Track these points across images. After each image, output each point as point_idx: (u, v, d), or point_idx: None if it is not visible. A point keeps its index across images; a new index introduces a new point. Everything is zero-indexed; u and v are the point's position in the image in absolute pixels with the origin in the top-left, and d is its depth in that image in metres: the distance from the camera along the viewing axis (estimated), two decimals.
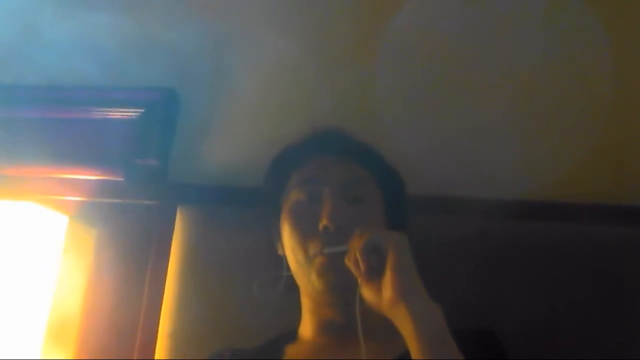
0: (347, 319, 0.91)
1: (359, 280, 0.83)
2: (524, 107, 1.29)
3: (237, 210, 1.27)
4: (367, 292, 0.83)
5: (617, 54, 1.27)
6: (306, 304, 1.00)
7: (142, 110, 1.39)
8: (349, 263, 0.84)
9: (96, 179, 1.37)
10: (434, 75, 1.34)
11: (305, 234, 0.95)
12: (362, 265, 0.82)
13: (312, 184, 0.98)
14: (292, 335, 1.02)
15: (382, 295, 0.80)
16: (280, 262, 1.00)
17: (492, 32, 1.33)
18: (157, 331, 1.22)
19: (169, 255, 1.26)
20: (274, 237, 1.03)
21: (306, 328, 1.00)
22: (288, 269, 0.98)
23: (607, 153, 1.24)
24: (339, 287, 0.91)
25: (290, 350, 0.99)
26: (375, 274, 0.82)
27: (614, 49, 1.27)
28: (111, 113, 1.40)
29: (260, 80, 1.41)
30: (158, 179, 1.37)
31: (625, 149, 1.25)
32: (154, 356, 1.20)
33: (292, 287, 1.00)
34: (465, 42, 1.34)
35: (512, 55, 1.32)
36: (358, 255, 0.82)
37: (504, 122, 1.29)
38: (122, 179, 1.37)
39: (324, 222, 0.92)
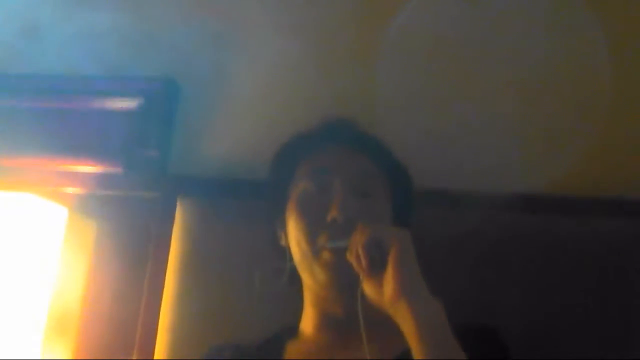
0: (350, 314, 0.90)
1: (361, 275, 0.83)
2: (524, 101, 1.29)
3: (238, 202, 1.26)
4: (368, 288, 0.82)
5: (616, 52, 1.27)
6: (308, 297, 0.99)
7: (142, 101, 1.38)
8: (350, 258, 0.83)
9: (96, 171, 1.37)
10: (434, 74, 1.33)
11: (312, 225, 0.93)
12: (363, 261, 0.81)
13: (322, 174, 0.97)
14: (293, 330, 1.01)
15: (383, 291, 0.80)
16: (283, 253, 0.99)
17: (492, 32, 1.33)
18: (157, 323, 1.21)
19: (169, 247, 1.26)
20: (279, 227, 1.01)
21: (307, 323, 0.99)
22: (291, 260, 0.97)
23: (609, 145, 1.24)
24: (342, 282, 0.90)
25: (292, 348, 0.98)
26: (376, 269, 0.81)
27: (614, 47, 1.27)
28: (111, 104, 1.39)
29: (261, 71, 1.40)
30: (158, 171, 1.36)
31: (626, 141, 1.24)
32: (154, 349, 1.20)
33: (295, 280, 0.99)
34: (465, 42, 1.34)
35: (512, 53, 1.31)
36: (360, 250, 0.81)
37: (504, 116, 1.28)
38: (121, 171, 1.36)
39: (333, 213, 0.90)
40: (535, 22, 1.32)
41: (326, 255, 0.91)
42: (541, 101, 1.28)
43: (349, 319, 0.89)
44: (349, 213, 0.90)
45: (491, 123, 1.28)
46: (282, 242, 1.00)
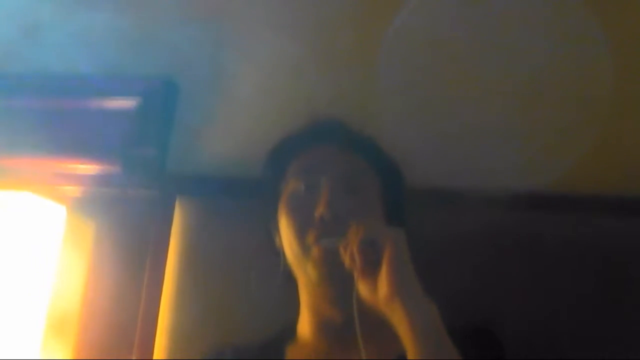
0: (346, 316, 0.90)
1: (355, 274, 0.82)
2: (524, 101, 1.28)
3: (236, 201, 1.26)
4: (362, 288, 0.82)
5: (617, 52, 1.26)
6: (304, 299, 0.99)
7: (141, 101, 1.38)
8: (344, 256, 0.83)
9: (94, 170, 1.37)
10: (434, 74, 1.33)
11: (301, 224, 0.93)
12: (358, 260, 0.81)
13: (310, 174, 0.97)
14: (291, 332, 1.01)
15: (377, 291, 0.79)
16: (278, 253, 0.99)
17: (491, 32, 1.32)
18: (156, 323, 1.22)
19: (167, 246, 1.26)
20: (272, 228, 1.02)
21: (305, 326, 0.99)
22: (286, 260, 0.97)
23: (610, 143, 1.23)
24: (335, 279, 0.90)
25: (291, 352, 0.98)
26: (371, 269, 0.80)
27: (614, 47, 1.26)
28: (109, 103, 1.40)
29: (259, 71, 1.39)
30: (156, 170, 1.36)
31: (628, 139, 1.24)
32: (153, 349, 1.20)
33: (290, 280, 0.99)
34: (465, 42, 1.33)
35: (512, 53, 1.31)
36: (354, 249, 0.81)
37: (504, 115, 1.27)
38: (120, 170, 1.36)
39: (320, 210, 0.91)
40: (535, 23, 1.31)
41: (316, 252, 0.91)
42: (541, 101, 1.28)
43: (346, 321, 0.89)
44: (336, 210, 0.90)
45: (491, 122, 1.27)
46: (277, 243, 1.00)
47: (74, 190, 1.36)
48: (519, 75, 1.29)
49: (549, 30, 1.31)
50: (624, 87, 1.25)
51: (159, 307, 1.22)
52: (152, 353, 1.20)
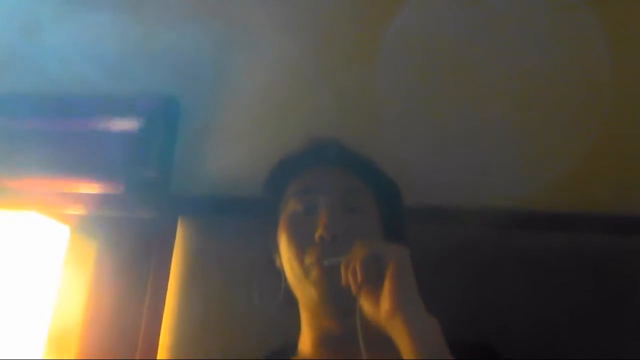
0: (346, 332, 0.90)
1: (354, 291, 0.83)
2: (522, 114, 1.29)
3: (238, 221, 1.26)
4: (365, 304, 0.83)
5: (616, 56, 1.27)
6: (305, 316, 1.00)
7: (143, 121, 1.39)
8: (345, 274, 0.84)
9: (97, 191, 1.37)
10: (433, 77, 1.33)
11: (301, 245, 0.94)
12: (359, 276, 0.81)
13: (309, 194, 0.98)
14: (292, 348, 1.02)
15: (379, 307, 0.80)
16: (279, 273, 1.00)
17: (492, 34, 1.33)
18: (157, 343, 1.21)
19: (169, 267, 1.26)
20: (272, 249, 1.03)
21: (305, 342, 0.99)
22: (286, 280, 0.98)
23: (606, 161, 1.23)
24: (336, 297, 0.90)
25: None
26: (372, 285, 0.81)
27: (614, 51, 1.27)
28: (111, 123, 1.40)
29: (261, 89, 1.40)
30: (159, 191, 1.36)
31: (624, 156, 1.24)
32: None
33: (291, 300, 1.00)
34: (466, 44, 1.34)
35: (511, 58, 1.31)
36: (357, 265, 0.82)
37: (502, 129, 1.28)
38: (122, 191, 1.36)
39: (320, 231, 0.92)
40: (535, 24, 1.32)
41: (316, 272, 0.91)
42: (540, 115, 1.28)
43: (347, 336, 0.90)
44: (335, 231, 0.91)
45: (489, 134, 1.28)
46: (277, 263, 1.01)
47: (77, 211, 1.36)
48: (517, 78, 1.30)
49: (549, 34, 1.31)
50: (624, 95, 1.25)
51: (160, 327, 1.22)
52: None
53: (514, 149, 1.27)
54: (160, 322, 1.23)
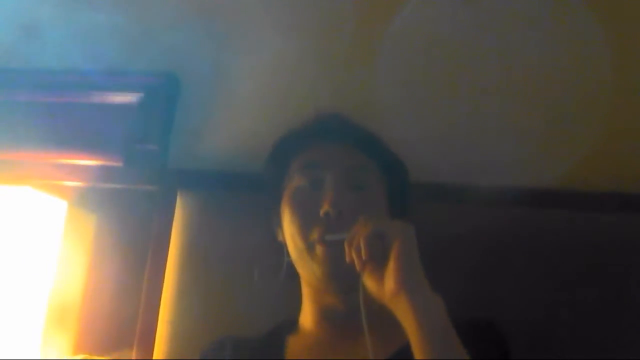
0: (349, 307, 0.90)
1: (358, 267, 0.82)
2: (525, 98, 1.29)
3: (238, 196, 1.26)
4: (369, 281, 0.82)
5: (617, 50, 1.27)
6: (306, 291, 1.00)
7: (142, 95, 1.38)
8: (349, 251, 0.83)
9: (96, 164, 1.37)
10: (434, 73, 1.33)
11: (305, 220, 0.94)
12: (364, 253, 0.80)
13: (314, 169, 0.97)
14: (293, 323, 1.02)
15: (384, 285, 0.79)
16: (281, 248, 0.99)
17: (492, 33, 1.32)
18: (157, 317, 1.22)
19: (169, 241, 1.26)
20: (275, 223, 1.02)
21: (307, 317, 1.00)
22: (288, 255, 0.97)
23: (611, 141, 1.23)
24: (340, 274, 0.90)
25: (292, 342, 0.98)
26: (377, 263, 0.80)
27: (614, 46, 1.27)
28: (111, 97, 1.40)
29: (260, 67, 1.40)
30: (158, 164, 1.36)
31: (629, 137, 1.24)
32: (154, 343, 1.20)
33: (293, 275, 0.99)
34: (465, 41, 1.33)
35: (512, 52, 1.31)
36: (361, 242, 0.81)
37: (505, 112, 1.28)
38: (121, 164, 1.36)
39: (325, 207, 0.91)
40: (534, 23, 1.32)
41: (320, 248, 0.91)
42: (542, 97, 1.28)
43: (349, 311, 0.90)
44: (341, 207, 0.91)
45: (492, 119, 1.28)
46: (279, 238, 1.01)
47: (75, 185, 1.36)
48: (519, 72, 1.30)
49: (548, 30, 1.31)
50: (624, 85, 1.25)
51: (160, 301, 1.22)
52: (152, 347, 1.20)
53: (521, 131, 1.27)
54: (160, 296, 1.23)
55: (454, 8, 1.35)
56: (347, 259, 0.83)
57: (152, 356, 1.20)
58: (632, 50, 1.28)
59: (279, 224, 1.00)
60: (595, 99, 1.26)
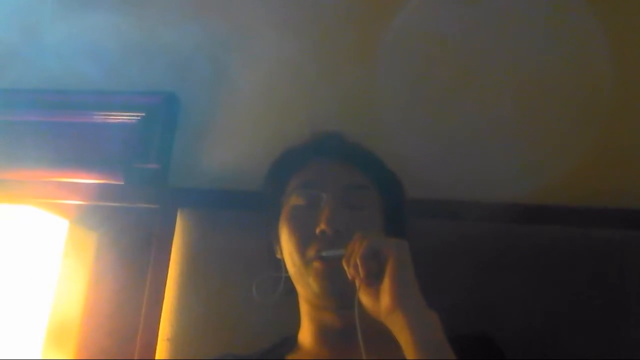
0: (346, 324, 0.91)
1: (357, 285, 0.83)
2: (524, 110, 1.29)
3: (237, 214, 1.27)
4: (364, 298, 0.83)
5: (617, 55, 1.27)
6: (304, 309, 1.00)
7: (143, 114, 1.39)
8: (347, 267, 0.84)
9: (96, 183, 1.38)
10: (434, 76, 1.34)
11: (303, 239, 0.95)
12: (361, 271, 0.81)
13: (311, 188, 0.98)
14: (292, 342, 1.02)
15: (379, 302, 0.80)
16: (279, 265, 1.00)
17: (492, 34, 1.33)
18: (157, 334, 1.22)
19: (169, 259, 1.26)
20: (273, 240, 1.03)
21: (305, 335, 1.00)
22: (286, 272, 0.98)
23: (608, 156, 1.24)
24: (336, 291, 0.91)
25: None
26: (373, 279, 0.81)
27: (614, 50, 1.27)
28: (111, 117, 1.41)
29: (260, 84, 1.41)
30: (158, 183, 1.37)
31: (626, 152, 1.24)
32: (154, 358, 1.20)
33: (290, 290, 1.00)
34: (466, 43, 1.34)
35: (512, 57, 1.32)
36: (358, 260, 0.82)
37: (504, 125, 1.29)
38: (122, 183, 1.37)
39: (321, 226, 0.92)
40: (535, 25, 1.33)
41: (317, 265, 0.92)
42: (542, 110, 1.29)
43: (347, 329, 0.90)
44: (338, 226, 0.92)
45: (491, 130, 1.28)
46: (278, 254, 1.02)
47: (76, 203, 1.37)
48: (519, 77, 1.30)
49: (550, 33, 1.32)
50: (625, 93, 1.26)
51: (160, 318, 1.23)
52: None
53: (518, 145, 1.27)
54: (160, 314, 1.23)
55: (454, 8, 1.35)
56: (349, 277, 0.84)
57: None
58: (635, 58, 1.28)
59: (277, 241, 1.01)
60: (595, 114, 1.26)
